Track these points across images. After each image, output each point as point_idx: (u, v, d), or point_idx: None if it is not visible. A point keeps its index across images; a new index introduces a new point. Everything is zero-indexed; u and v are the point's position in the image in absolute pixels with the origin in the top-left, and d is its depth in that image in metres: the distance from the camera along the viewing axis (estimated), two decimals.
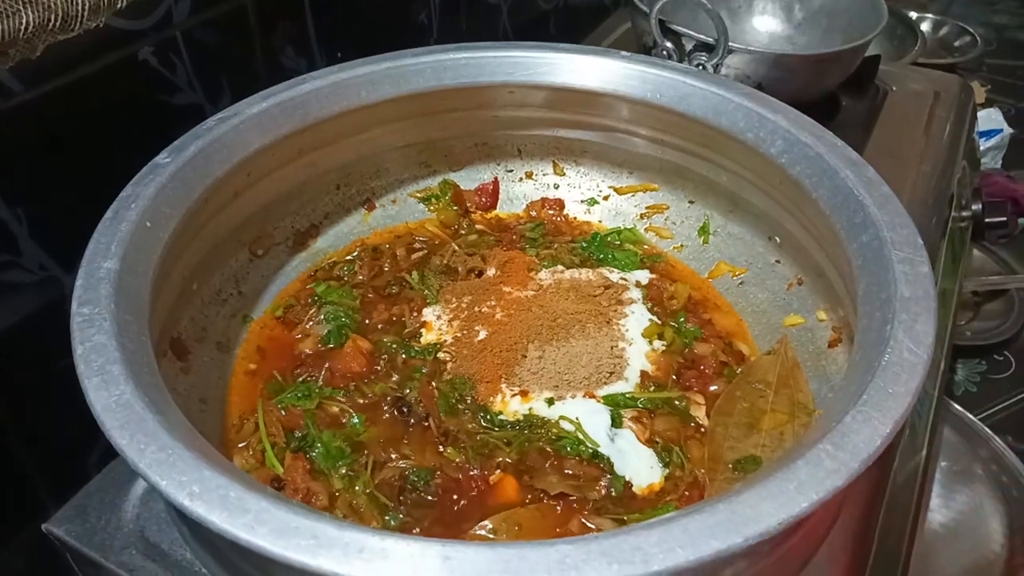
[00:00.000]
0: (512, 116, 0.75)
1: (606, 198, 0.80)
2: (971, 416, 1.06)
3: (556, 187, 0.81)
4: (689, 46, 0.91)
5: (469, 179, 0.80)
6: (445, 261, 0.73)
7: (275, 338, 0.66)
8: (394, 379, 0.62)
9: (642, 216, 0.78)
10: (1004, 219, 1.07)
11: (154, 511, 0.60)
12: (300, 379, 0.62)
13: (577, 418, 0.59)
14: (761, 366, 0.63)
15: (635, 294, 0.69)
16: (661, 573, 0.34)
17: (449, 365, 0.63)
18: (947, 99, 1.12)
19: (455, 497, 0.55)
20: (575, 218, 0.80)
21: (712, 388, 0.63)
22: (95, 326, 0.45)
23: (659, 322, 0.67)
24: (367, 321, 0.68)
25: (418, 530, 0.53)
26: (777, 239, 0.69)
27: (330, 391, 0.61)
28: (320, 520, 0.36)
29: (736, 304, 0.70)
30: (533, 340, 0.64)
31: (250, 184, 0.64)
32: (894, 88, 1.13)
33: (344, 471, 0.56)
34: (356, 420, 0.59)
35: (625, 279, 0.71)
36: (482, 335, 0.65)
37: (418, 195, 0.79)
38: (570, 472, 0.56)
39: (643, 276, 0.72)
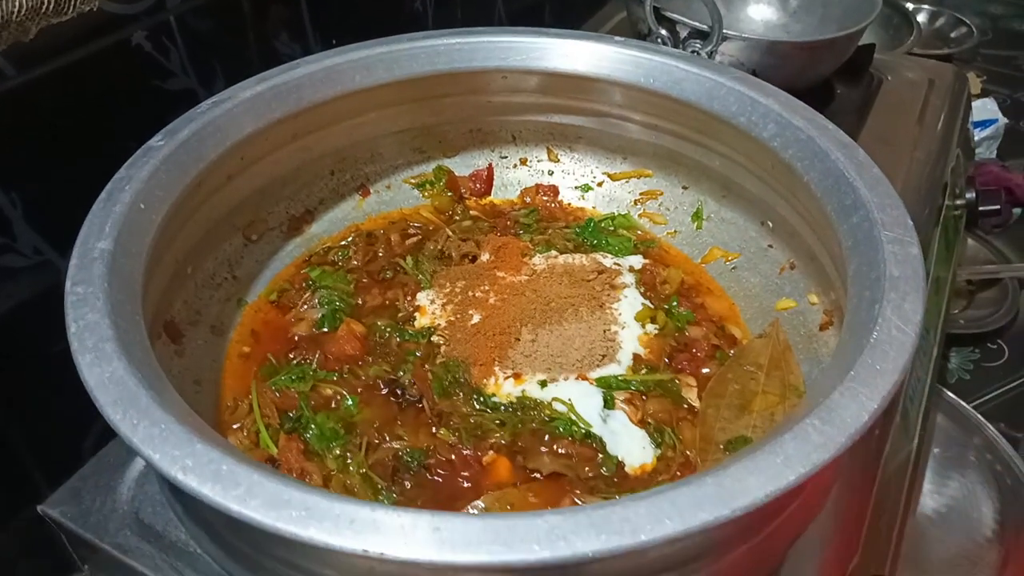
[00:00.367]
0: (506, 101, 0.76)
1: (600, 184, 0.80)
2: (964, 404, 1.06)
3: (550, 173, 0.81)
4: (684, 33, 0.92)
5: (463, 165, 0.80)
6: (439, 247, 0.73)
7: (269, 322, 0.67)
8: (388, 362, 0.63)
9: (636, 202, 0.78)
10: (998, 207, 1.08)
11: (148, 493, 0.61)
12: (294, 362, 0.62)
13: (570, 399, 0.59)
14: (753, 349, 0.63)
15: (628, 279, 0.70)
16: (649, 543, 0.35)
17: (443, 348, 0.63)
18: (941, 88, 1.13)
19: (448, 477, 0.55)
20: (569, 204, 0.80)
21: (704, 370, 0.63)
22: (88, 305, 0.45)
23: (652, 306, 0.67)
24: (361, 305, 0.68)
25: None
26: (770, 224, 0.69)
27: (324, 374, 0.61)
28: (312, 492, 0.36)
29: (729, 288, 0.71)
30: (526, 324, 0.64)
31: (244, 168, 0.64)
32: (889, 77, 1.13)
33: (338, 452, 0.56)
34: (350, 402, 0.59)
35: (618, 264, 0.71)
36: (476, 319, 0.65)
37: (412, 181, 0.79)
38: (563, 452, 0.57)
39: (636, 261, 0.72)
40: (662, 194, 0.77)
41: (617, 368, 0.62)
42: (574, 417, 0.58)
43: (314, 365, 0.62)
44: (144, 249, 0.51)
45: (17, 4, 0.54)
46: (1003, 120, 1.52)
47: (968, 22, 1.85)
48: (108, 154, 0.55)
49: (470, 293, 0.67)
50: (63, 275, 0.66)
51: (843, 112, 1.05)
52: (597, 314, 0.65)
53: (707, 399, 0.60)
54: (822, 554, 0.59)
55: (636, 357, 0.63)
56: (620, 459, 0.57)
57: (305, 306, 0.67)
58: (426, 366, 0.62)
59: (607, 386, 0.61)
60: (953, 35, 1.86)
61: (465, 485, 0.55)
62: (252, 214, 0.69)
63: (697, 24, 0.90)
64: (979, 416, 1.05)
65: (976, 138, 1.47)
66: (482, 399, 0.60)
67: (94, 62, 0.63)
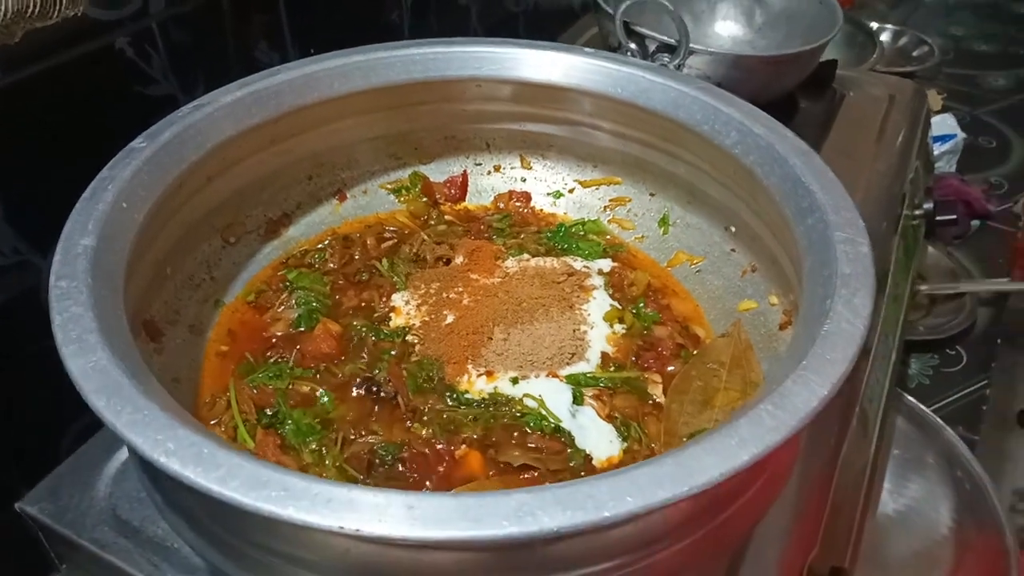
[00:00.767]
0: (480, 110, 0.78)
1: (571, 191, 0.82)
2: (924, 408, 1.10)
3: (523, 180, 0.83)
4: (652, 47, 0.95)
5: (439, 172, 0.82)
6: (414, 250, 0.75)
7: (246, 322, 0.68)
8: (363, 360, 0.64)
9: (605, 208, 0.81)
10: (954, 217, 1.12)
11: (126, 490, 0.62)
12: (271, 360, 0.64)
13: (540, 396, 0.61)
14: (716, 348, 0.66)
15: (597, 281, 0.72)
16: (611, 519, 0.37)
17: (417, 347, 0.65)
18: (902, 103, 1.17)
19: (422, 470, 0.57)
20: (541, 210, 0.82)
21: (669, 368, 0.65)
22: (72, 298, 0.46)
23: (619, 307, 0.70)
24: (337, 306, 0.70)
25: None
26: (732, 229, 0.72)
27: (301, 371, 0.63)
28: (290, 474, 0.38)
29: (693, 291, 0.73)
30: (499, 323, 0.66)
31: (223, 171, 0.66)
32: (851, 92, 1.18)
33: (314, 446, 0.58)
34: (326, 399, 0.61)
35: (588, 267, 0.74)
36: (449, 319, 0.67)
37: (388, 186, 0.81)
38: (533, 446, 0.58)
39: (605, 264, 0.75)
40: (630, 201, 0.80)
41: (586, 366, 0.64)
42: (544, 412, 0.60)
43: (291, 363, 0.63)
44: (126, 247, 0.53)
45: (3, 8, 0.56)
46: (962, 136, 1.58)
47: (930, 42, 1.91)
48: (90, 156, 0.56)
49: (444, 294, 0.69)
50: (43, 275, 0.67)
51: (806, 125, 1.08)
52: (567, 314, 0.68)
53: (671, 395, 0.62)
54: (782, 545, 0.62)
55: (604, 355, 0.65)
56: (588, 452, 0.59)
57: (282, 307, 0.68)
58: (401, 364, 0.64)
59: (576, 383, 0.63)
60: (916, 54, 1.92)
61: (438, 478, 0.57)
62: (231, 216, 0.71)
63: (665, 38, 0.93)
64: (938, 419, 1.08)
65: (936, 152, 1.52)
66: (455, 396, 0.62)
67: (78, 66, 0.64)
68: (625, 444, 0.60)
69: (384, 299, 0.70)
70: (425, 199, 0.81)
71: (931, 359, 1.24)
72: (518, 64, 0.73)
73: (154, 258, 0.61)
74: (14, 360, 0.69)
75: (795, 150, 0.61)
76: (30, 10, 0.58)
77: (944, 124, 1.57)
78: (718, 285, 0.72)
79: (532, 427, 0.60)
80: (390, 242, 0.77)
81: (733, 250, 0.72)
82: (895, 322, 1.01)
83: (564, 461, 0.58)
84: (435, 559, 0.42)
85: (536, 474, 0.57)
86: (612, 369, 0.64)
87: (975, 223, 1.46)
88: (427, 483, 0.56)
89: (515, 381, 0.62)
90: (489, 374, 0.63)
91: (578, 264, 0.74)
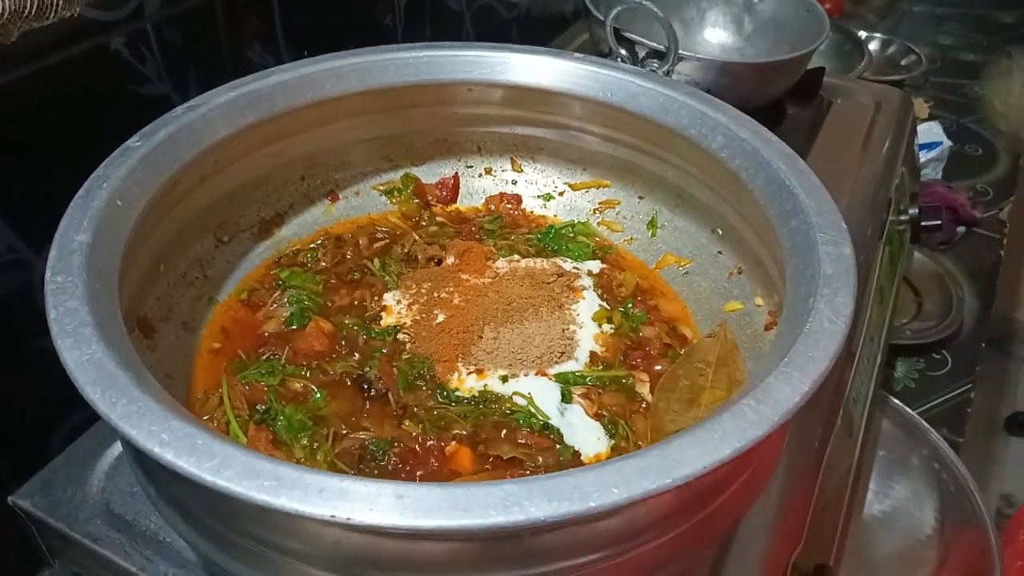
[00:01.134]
0: (472, 113, 0.79)
1: (561, 194, 0.83)
2: (910, 410, 1.11)
3: (514, 183, 0.84)
4: (642, 53, 0.96)
5: (430, 173, 0.83)
6: (406, 250, 0.76)
7: (239, 319, 0.69)
8: (355, 358, 0.65)
9: (595, 211, 0.82)
10: (939, 222, 1.13)
11: (119, 485, 0.63)
12: (264, 357, 0.65)
13: (529, 394, 0.62)
14: (702, 347, 0.67)
15: (586, 282, 0.73)
16: (597, 509, 0.38)
17: (408, 345, 0.66)
18: (888, 110, 1.19)
19: (412, 466, 0.58)
20: (532, 212, 0.84)
21: (656, 367, 0.66)
22: (68, 293, 0.47)
23: (608, 307, 0.71)
24: (329, 305, 0.70)
25: None
26: (719, 231, 0.73)
27: (293, 368, 0.64)
28: (282, 465, 0.39)
29: (681, 292, 0.74)
30: (489, 323, 0.67)
31: (217, 170, 0.67)
32: (838, 99, 1.19)
33: (306, 442, 0.58)
34: (318, 395, 0.62)
35: (577, 268, 0.75)
36: (440, 318, 0.68)
37: (381, 188, 0.82)
38: (522, 441, 0.59)
39: (594, 266, 0.76)
40: (619, 203, 0.81)
41: (575, 365, 0.65)
42: (533, 410, 0.61)
43: (283, 360, 0.64)
44: (121, 243, 0.53)
45: (0, 8, 0.56)
46: (948, 143, 1.60)
47: (918, 51, 1.93)
48: (84, 155, 0.57)
49: (435, 294, 0.70)
50: (36, 273, 0.68)
51: (794, 131, 1.10)
52: (556, 314, 0.69)
53: (659, 393, 0.63)
54: (767, 541, 0.63)
55: (593, 355, 0.66)
56: (576, 449, 0.60)
57: (275, 305, 0.69)
58: (392, 362, 0.64)
59: (565, 381, 0.64)
60: (903, 63, 1.94)
61: (428, 473, 0.57)
62: (224, 216, 0.71)
63: (655, 45, 0.94)
64: (924, 422, 1.10)
65: (922, 159, 1.54)
66: (446, 393, 0.63)
67: (73, 66, 0.65)
68: (613, 441, 0.61)
69: (376, 298, 0.71)
70: (417, 201, 0.82)
71: (917, 363, 1.26)
72: (509, 68, 0.74)
73: (148, 255, 0.62)
74: (6, 357, 0.69)
75: (779, 154, 0.62)
76: (27, 10, 0.59)
77: (931, 132, 1.59)
78: (705, 286, 0.73)
79: (521, 424, 0.60)
80: (382, 242, 0.78)
81: (720, 252, 0.73)
82: (881, 325, 1.03)
83: (553, 457, 0.59)
84: (424, 550, 0.42)
85: (526, 471, 0.58)
86: (600, 368, 0.65)
87: (961, 229, 1.48)
88: (417, 478, 0.57)
89: (505, 379, 0.63)
90: (479, 372, 0.64)
91: (568, 265, 0.75)
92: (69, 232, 0.51)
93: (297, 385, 0.63)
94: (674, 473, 0.39)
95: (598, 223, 0.82)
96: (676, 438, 0.41)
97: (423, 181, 0.83)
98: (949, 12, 2.40)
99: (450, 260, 0.75)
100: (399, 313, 0.69)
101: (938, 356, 1.28)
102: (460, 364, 0.64)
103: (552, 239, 0.79)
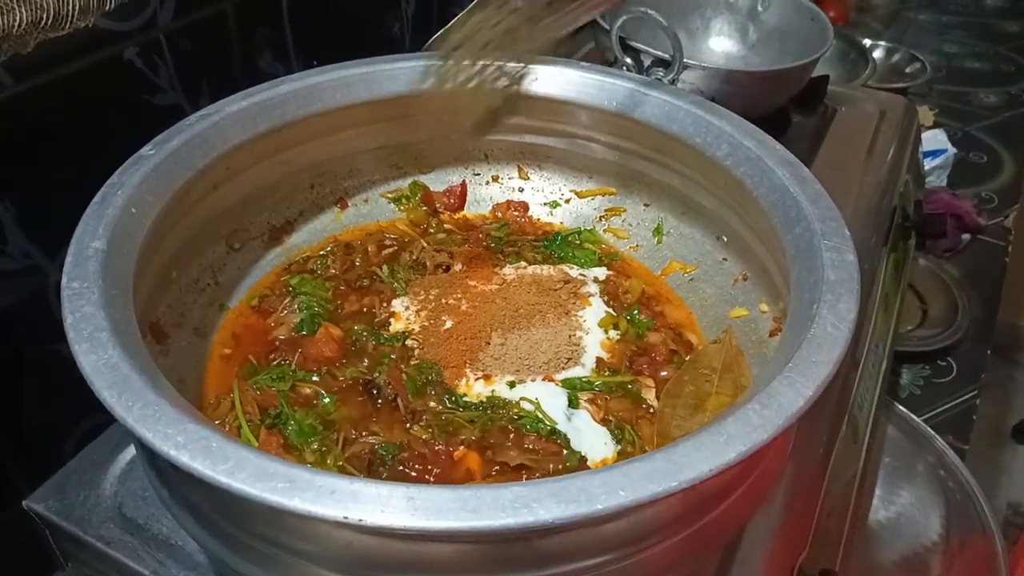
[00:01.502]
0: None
1: (567, 201, 0.84)
2: (915, 417, 1.12)
3: (521, 190, 0.85)
4: (647, 62, 0.97)
5: (438, 181, 0.84)
6: (414, 257, 0.77)
7: (250, 326, 0.69)
8: (364, 364, 0.66)
9: (601, 218, 0.83)
10: (943, 230, 1.13)
11: (131, 488, 0.63)
12: (274, 363, 0.65)
13: (537, 399, 0.63)
14: (708, 354, 0.67)
15: (592, 288, 0.74)
16: (604, 511, 0.38)
17: (416, 351, 0.67)
18: (892, 118, 1.19)
19: (421, 470, 0.58)
20: (538, 219, 0.84)
21: (662, 373, 0.67)
22: (84, 298, 0.48)
23: (614, 314, 0.71)
24: (339, 311, 0.71)
25: None
26: (724, 238, 0.74)
27: (303, 374, 0.64)
28: (295, 467, 0.40)
29: (686, 298, 0.75)
30: (496, 329, 0.68)
31: (228, 178, 0.68)
32: (843, 107, 1.20)
33: (316, 446, 0.59)
34: (328, 400, 0.62)
35: (584, 275, 0.76)
36: (448, 324, 0.69)
37: (389, 195, 0.83)
38: (530, 447, 0.60)
39: (600, 272, 0.76)
40: (625, 211, 0.82)
41: (581, 370, 0.66)
42: (540, 415, 0.62)
43: (293, 366, 0.65)
44: (135, 250, 0.54)
45: (18, 18, 0.57)
46: (953, 151, 1.60)
47: (922, 59, 1.93)
48: (98, 163, 0.58)
49: (443, 300, 0.71)
50: (51, 280, 0.69)
51: (798, 139, 1.10)
52: (563, 320, 0.69)
53: (664, 399, 0.64)
54: (772, 545, 0.63)
55: (599, 360, 0.67)
56: (583, 454, 0.60)
57: (285, 311, 0.70)
58: (400, 367, 0.65)
59: (572, 387, 0.65)
60: (908, 71, 1.94)
61: (437, 478, 0.58)
62: (235, 223, 0.72)
63: (660, 54, 0.95)
64: (929, 429, 1.10)
65: (927, 167, 1.55)
66: (454, 398, 0.63)
67: (88, 75, 0.66)
68: (619, 446, 0.61)
69: (384, 304, 0.71)
70: (425, 208, 0.83)
71: (922, 370, 1.26)
72: None
73: (160, 262, 0.62)
74: (20, 363, 0.70)
75: (783, 162, 0.63)
76: (43, 21, 0.60)
77: (935, 139, 1.60)
78: (710, 293, 0.74)
79: (529, 429, 0.61)
80: (390, 249, 0.78)
81: (725, 259, 0.74)
82: (886, 332, 1.03)
83: (560, 462, 0.59)
84: (433, 552, 0.43)
85: (532, 474, 0.58)
86: (607, 374, 0.66)
87: (966, 237, 1.48)
88: (428, 483, 0.58)
89: (512, 385, 0.64)
90: (487, 378, 0.64)
91: (574, 272, 0.76)
92: (85, 239, 0.52)
93: (307, 390, 0.63)
94: (680, 476, 0.40)
95: (604, 230, 0.82)
96: (682, 442, 0.42)
97: (431, 189, 0.84)
98: (954, 20, 2.40)
99: (458, 267, 0.75)
100: (407, 319, 0.70)
101: (943, 363, 1.28)
102: (468, 370, 0.65)
103: (559, 246, 0.80)
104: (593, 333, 0.69)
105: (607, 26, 0.97)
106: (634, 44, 0.96)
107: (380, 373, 0.64)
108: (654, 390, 0.66)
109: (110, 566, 0.60)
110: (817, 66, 1.08)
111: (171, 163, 0.60)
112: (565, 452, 0.60)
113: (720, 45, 1.20)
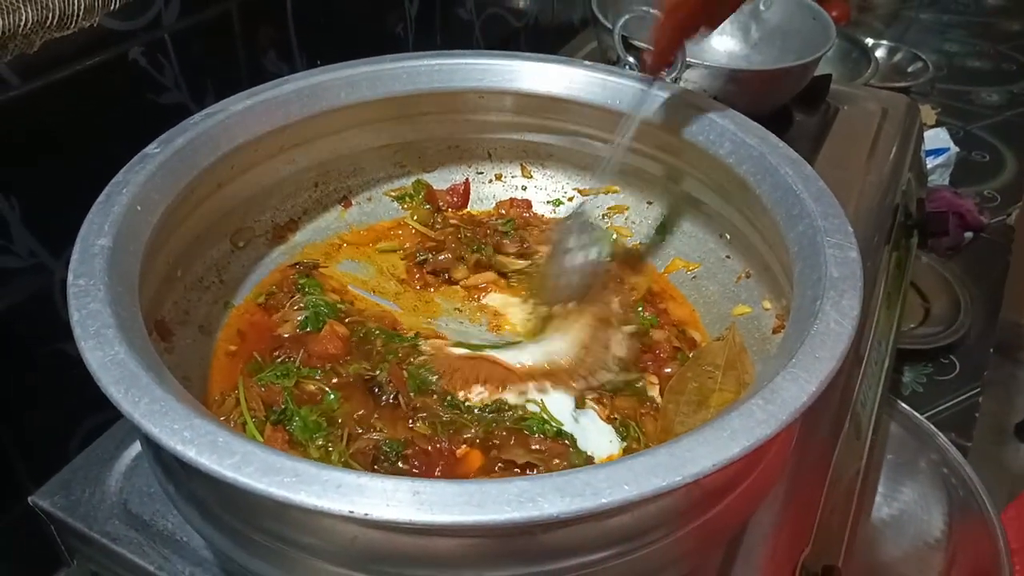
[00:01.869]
0: (482, 120, 0.80)
1: (571, 199, 0.84)
2: (918, 414, 1.12)
3: (524, 188, 0.86)
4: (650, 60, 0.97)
5: (441, 180, 0.85)
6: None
7: (255, 323, 0.70)
8: (368, 361, 0.66)
9: (604, 216, 0.83)
10: (946, 228, 1.14)
11: (136, 485, 0.64)
12: (279, 360, 0.66)
13: (542, 401, 0.63)
14: (711, 351, 0.67)
15: None
16: (608, 505, 0.38)
17: (427, 356, 0.67)
18: (895, 116, 1.19)
19: (425, 467, 0.59)
20: (542, 216, 0.85)
21: (666, 370, 0.67)
22: (90, 295, 0.48)
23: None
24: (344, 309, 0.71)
25: None
26: (727, 236, 0.74)
27: (308, 371, 0.65)
28: (301, 462, 0.40)
29: (689, 296, 0.75)
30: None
31: (233, 177, 0.68)
32: (845, 106, 1.20)
33: (321, 442, 0.59)
34: (332, 397, 0.63)
35: None
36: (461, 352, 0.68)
37: (392, 194, 0.83)
38: (536, 447, 0.60)
39: None
40: (628, 209, 0.82)
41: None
42: (546, 417, 0.62)
43: (298, 363, 0.65)
44: (140, 247, 0.55)
45: (23, 18, 0.58)
46: (955, 149, 1.60)
47: (924, 58, 1.93)
48: (103, 162, 0.58)
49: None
50: (56, 278, 0.69)
51: (801, 138, 1.11)
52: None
53: (668, 396, 0.64)
54: (776, 541, 0.63)
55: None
56: (590, 454, 0.60)
57: (291, 307, 0.70)
58: (402, 365, 0.65)
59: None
60: (910, 70, 1.94)
61: (440, 474, 0.58)
62: (239, 221, 0.73)
63: None
64: (931, 426, 1.10)
65: (929, 166, 1.55)
66: (455, 403, 0.63)
67: (93, 74, 0.66)
68: (624, 443, 0.61)
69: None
70: (428, 206, 0.83)
71: (925, 367, 1.26)
72: (519, 76, 0.75)
73: (166, 260, 0.63)
74: (25, 361, 0.70)
75: (786, 159, 0.63)
76: (49, 20, 0.60)
77: (937, 138, 1.60)
78: (713, 290, 0.74)
79: (535, 430, 0.61)
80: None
81: (728, 257, 0.74)
82: (888, 330, 1.03)
83: (566, 461, 0.59)
84: (438, 546, 0.43)
85: (538, 473, 0.58)
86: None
87: (968, 235, 1.48)
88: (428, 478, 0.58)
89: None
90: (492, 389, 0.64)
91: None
92: (90, 236, 0.52)
93: (312, 387, 0.63)
94: (684, 471, 0.40)
95: (607, 228, 0.82)
96: (686, 437, 0.42)
97: (434, 187, 0.84)
98: (955, 20, 2.40)
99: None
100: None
101: (946, 361, 1.28)
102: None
103: None
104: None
105: (610, 25, 0.97)
106: (637, 43, 0.96)
107: (382, 371, 0.65)
108: (658, 387, 0.66)
109: (115, 562, 0.60)
110: (819, 65, 1.08)
111: (176, 162, 0.60)
112: (571, 451, 0.60)
113: (723, 44, 1.21)
